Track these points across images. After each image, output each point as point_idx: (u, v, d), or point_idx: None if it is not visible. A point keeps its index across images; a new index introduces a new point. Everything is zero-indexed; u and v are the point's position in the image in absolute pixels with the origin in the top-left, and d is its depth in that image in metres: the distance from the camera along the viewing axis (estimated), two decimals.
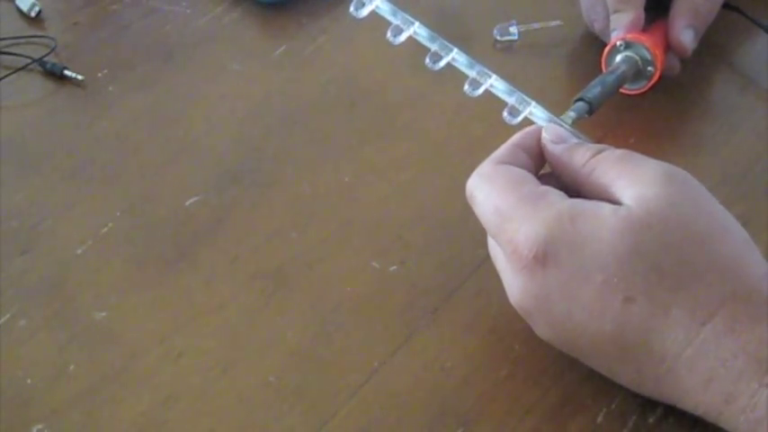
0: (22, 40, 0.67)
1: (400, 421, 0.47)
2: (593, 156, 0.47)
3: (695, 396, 0.43)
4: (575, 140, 0.49)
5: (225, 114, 0.63)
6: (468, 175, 0.48)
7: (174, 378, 0.48)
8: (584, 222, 0.44)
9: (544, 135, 0.49)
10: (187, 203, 0.57)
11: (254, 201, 0.57)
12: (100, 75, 0.65)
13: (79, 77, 0.64)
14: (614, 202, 0.45)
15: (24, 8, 0.69)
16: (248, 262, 0.54)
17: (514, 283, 0.46)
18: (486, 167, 0.48)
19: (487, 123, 0.60)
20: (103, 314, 0.51)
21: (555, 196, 0.46)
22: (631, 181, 0.45)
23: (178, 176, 0.58)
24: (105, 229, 0.55)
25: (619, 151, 0.47)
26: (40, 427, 0.46)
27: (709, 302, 0.42)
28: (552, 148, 0.49)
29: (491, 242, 0.49)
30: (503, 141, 0.49)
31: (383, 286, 0.50)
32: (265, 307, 0.51)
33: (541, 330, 0.47)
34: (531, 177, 0.47)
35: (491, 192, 0.47)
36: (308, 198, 0.57)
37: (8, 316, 0.51)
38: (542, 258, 0.44)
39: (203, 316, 0.51)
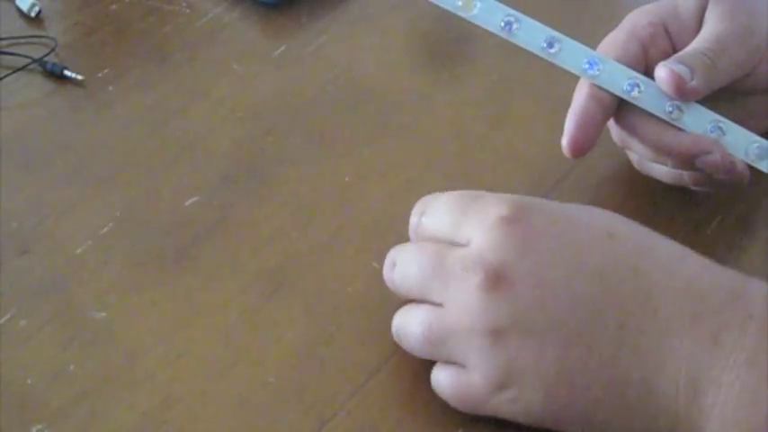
0: (22, 40, 0.67)
1: (400, 421, 0.47)
2: None
3: (681, 334, 0.42)
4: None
5: (225, 114, 0.62)
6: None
7: (173, 378, 0.48)
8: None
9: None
10: (187, 203, 0.57)
11: (254, 201, 0.57)
12: (100, 75, 0.65)
13: (79, 77, 0.64)
14: None
15: (24, 8, 0.69)
16: (248, 262, 0.54)
17: (490, 241, 0.44)
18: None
19: (487, 123, 0.60)
20: (103, 314, 0.51)
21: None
22: None
23: (178, 176, 0.58)
24: (105, 229, 0.55)
25: None
26: (39, 427, 0.46)
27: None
28: None
29: (405, 317, 0.47)
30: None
31: (383, 286, 0.50)
32: (265, 307, 0.51)
33: (522, 295, 0.43)
34: None
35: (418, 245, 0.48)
36: (308, 198, 0.57)
37: (8, 316, 0.51)
38: (522, 212, 0.45)
39: (203, 316, 0.51)
